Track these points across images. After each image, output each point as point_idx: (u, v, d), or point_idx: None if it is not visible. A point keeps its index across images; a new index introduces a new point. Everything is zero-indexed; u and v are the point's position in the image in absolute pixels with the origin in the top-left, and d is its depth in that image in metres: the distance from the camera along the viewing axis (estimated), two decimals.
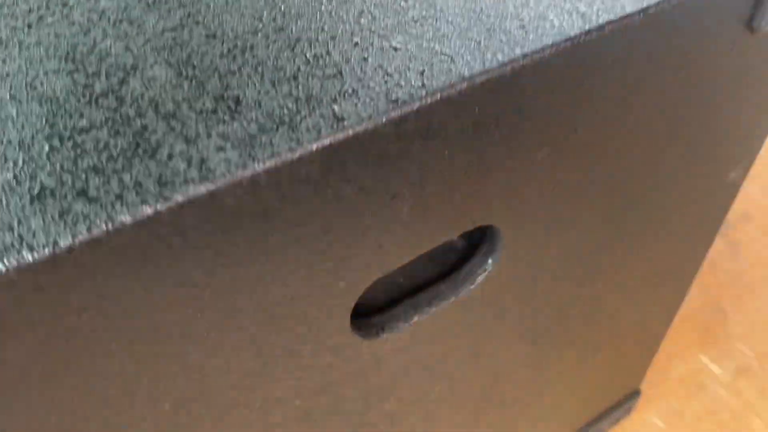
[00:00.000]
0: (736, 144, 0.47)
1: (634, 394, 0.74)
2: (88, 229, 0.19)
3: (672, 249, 0.54)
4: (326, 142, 0.22)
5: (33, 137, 0.22)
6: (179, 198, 0.20)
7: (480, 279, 0.35)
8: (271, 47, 0.25)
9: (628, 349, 0.66)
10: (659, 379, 0.84)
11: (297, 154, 0.22)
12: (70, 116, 0.23)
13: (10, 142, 0.22)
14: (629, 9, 0.29)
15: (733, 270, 0.97)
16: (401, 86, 0.24)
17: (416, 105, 0.24)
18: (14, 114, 0.22)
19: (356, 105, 0.23)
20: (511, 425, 0.62)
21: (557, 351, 0.57)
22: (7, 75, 0.24)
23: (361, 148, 0.23)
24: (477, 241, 0.36)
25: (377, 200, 0.26)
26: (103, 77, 0.24)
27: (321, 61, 0.25)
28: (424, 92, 0.24)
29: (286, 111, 0.23)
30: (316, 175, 0.23)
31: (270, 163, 0.21)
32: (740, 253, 0.99)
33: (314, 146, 0.22)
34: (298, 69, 0.25)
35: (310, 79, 0.24)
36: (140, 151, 0.22)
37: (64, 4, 0.28)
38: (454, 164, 0.27)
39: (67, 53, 0.25)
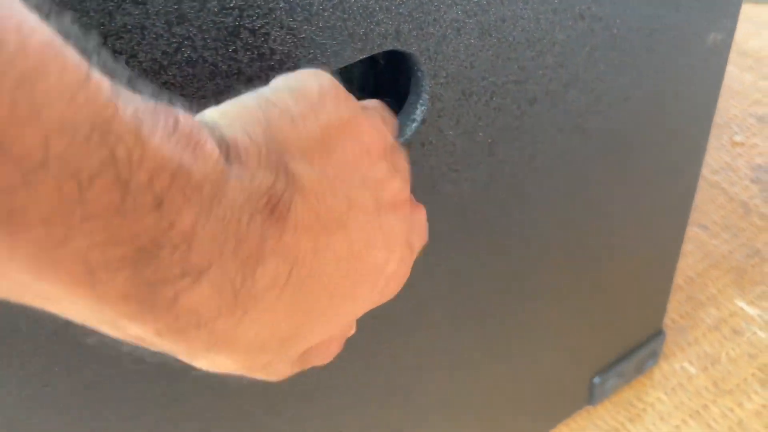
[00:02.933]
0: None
1: (658, 334, 0.72)
2: None
3: (666, 147, 0.52)
4: None
5: None
6: None
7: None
8: None
9: (641, 283, 0.64)
10: (690, 325, 0.81)
11: None
12: None
13: None
14: None
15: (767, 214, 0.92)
16: None
17: None
18: None
19: None
20: (530, 368, 0.61)
21: (569, 286, 0.56)
22: None
23: None
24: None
25: None
26: None
27: None
28: None
29: None
30: None
31: None
32: None
33: None
34: None
35: None
36: None
37: None
38: None
39: None
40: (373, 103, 0.30)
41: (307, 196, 0.22)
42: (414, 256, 0.29)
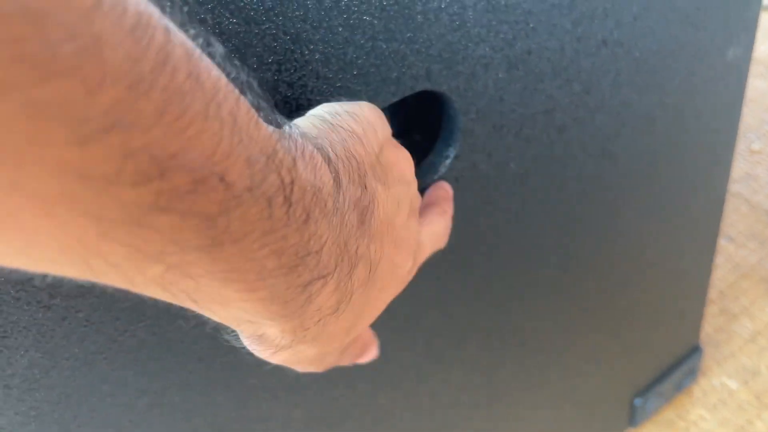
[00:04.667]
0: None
1: (694, 350, 0.71)
2: None
3: (693, 164, 0.52)
4: None
5: None
6: None
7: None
8: None
9: (675, 299, 0.64)
10: (725, 339, 0.80)
11: None
12: None
13: None
14: None
15: None
16: None
17: None
18: None
19: None
20: (570, 394, 0.60)
21: (605, 308, 0.56)
22: None
23: None
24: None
25: None
26: None
27: None
28: None
29: None
30: None
31: None
32: None
33: None
34: None
35: None
36: None
37: None
38: None
39: None
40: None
41: (378, 206, 0.25)
42: (425, 257, 0.31)
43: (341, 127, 0.25)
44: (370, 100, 0.31)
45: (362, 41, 0.29)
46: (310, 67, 0.28)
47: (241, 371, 0.34)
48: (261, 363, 0.35)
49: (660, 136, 0.47)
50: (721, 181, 0.57)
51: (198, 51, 0.17)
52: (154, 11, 0.16)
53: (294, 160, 0.20)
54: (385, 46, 0.30)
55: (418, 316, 0.41)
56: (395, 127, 0.39)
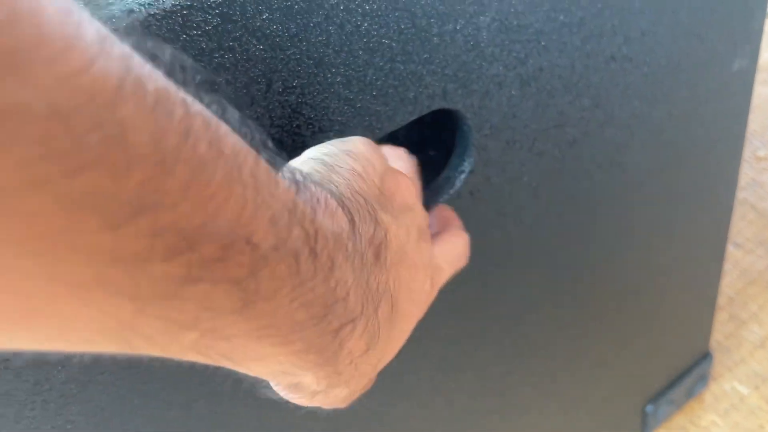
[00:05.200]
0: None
1: (705, 356, 0.72)
2: None
3: (701, 173, 0.53)
4: None
5: None
6: None
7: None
8: None
9: (685, 306, 0.64)
10: (735, 344, 0.80)
11: None
12: None
13: None
14: None
15: None
16: None
17: None
18: None
19: None
20: (581, 402, 0.61)
21: (615, 316, 0.57)
22: None
23: None
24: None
25: None
26: None
27: None
28: None
29: None
30: None
31: None
32: None
33: None
34: None
35: None
36: None
37: None
38: None
39: None
40: (386, 148, 0.32)
41: (391, 239, 0.25)
42: (444, 278, 0.31)
43: (340, 167, 0.25)
44: (389, 119, 0.32)
45: (381, 63, 0.30)
46: (333, 90, 0.29)
47: (265, 384, 0.35)
48: None
49: (668, 146, 0.48)
50: (728, 189, 0.58)
51: (215, 118, 0.17)
52: (171, 85, 0.16)
53: (314, 210, 0.20)
54: (403, 68, 0.31)
55: (433, 326, 0.42)
56: (410, 143, 0.40)
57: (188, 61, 0.18)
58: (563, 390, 0.58)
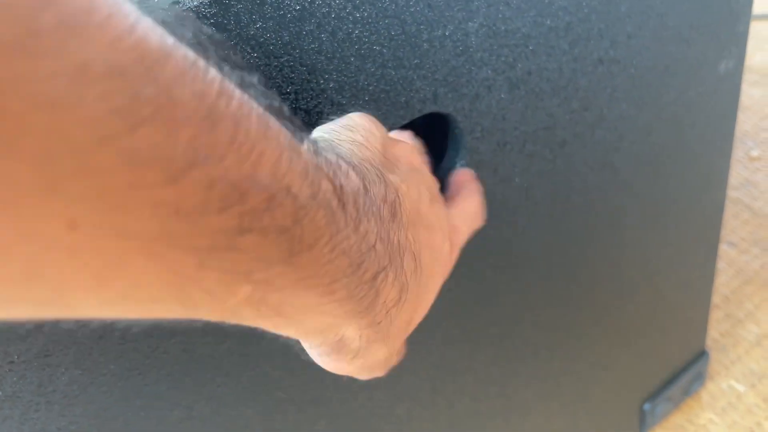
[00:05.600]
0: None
1: (701, 354, 0.72)
2: None
3: (691, 173, 0.54)
4: None
5: None
6: None
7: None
8: None
9: (680, 305, 0.65)
10: (732, 343, 0.81)
11: None
12: None
13: None
14: None
15: None
16: None
17: None
18: None
19: None
20: (579, 401, 0.61)
21: (611, 316, 0.57)
22: None
23: None
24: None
25: None
26: None
27: None
28: None
29: None
30: None
31: None
32: None
33: None
34: None
35: None
36: None
37: None
38: None
39: None
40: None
41: (403, 198, 0.26)
42: (462, 239, 0.32)
43: (342, 140, 0.26)
44: (382, 123, 0.33)
45: (373, 69, 0.31)
46: (326, 95, 0.30)
47: (268, 385, 0.36)
48: (287, 377, 0.36)
49: (658, 147, 0.49)
50: (719, 188, 0.59)
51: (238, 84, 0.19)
52: (196, 54, 0.17)
53: (333, 168, 0.21)
54: (394, 73, 0.32)
55: (432, 327, 0.43)
56: None
57: (210, 34, 0.20)
58: (561, 390, 0.59)
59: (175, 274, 0.17)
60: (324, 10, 0.28)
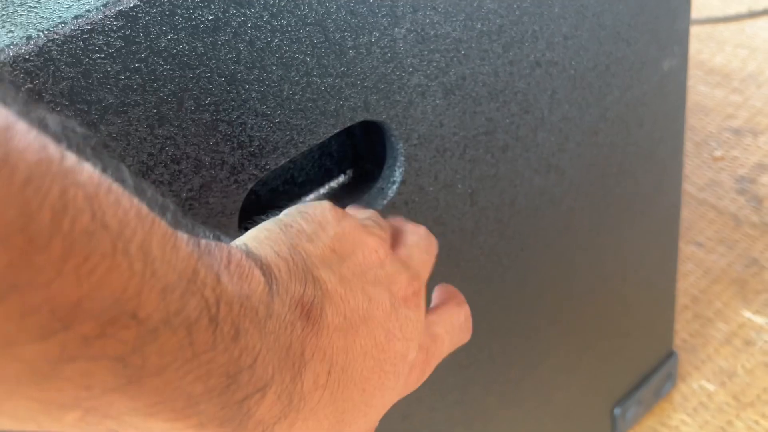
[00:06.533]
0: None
1: (670, 355, 0.72)
2: None
3: (644, 172, 0.54)
4: None
5: None
6: None
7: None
8: None
9: (644, 306, 0.65)
10: (701, 343, 0.81)
11: None
12: None
13: None
14: None
15: (759, 222, 0.94)
16: None
17: None
18: None
19: None
20: (547, 410, 0.61)
21: (572, 322, 0.57)
22: None
23: None
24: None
25: None
26: None
27: None
28: None
29: None
30: None
31: None
32: (763, 204, 0.96)
33: None
34: None
35: None
36: None
37: None
38: None
39: None
40: (366, 213, 0.31)
41: (333, 298, 0.24)
42: (444, 348, 0.31)
43: (291, 226, 0.26)
44: (311, 132, 0.32)
45: (297, 78, 0.31)
46: (248, 106, 0.30)
47: None
48: None
49: (605, 148, 0.49)
50: (674, 187, 0.59)
51: (105, 184, 0.17)
52: (52, 157, 0.15)
53: (217, 275, 0.19)
54: (320, 81, 0.32)
55: None
56: (345, 157, 0.41)
57: (79, 127, 0.18)
58: (527, 398, 0.58)
59: None
60: (240, 19, 0.28)
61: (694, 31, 1.17)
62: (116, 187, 0.17)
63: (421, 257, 0.31)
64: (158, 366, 0.17)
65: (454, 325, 0.32)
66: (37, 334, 0.15)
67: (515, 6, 0.37)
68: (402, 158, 0.37)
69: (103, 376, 0.16)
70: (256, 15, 0.28)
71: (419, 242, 0.32)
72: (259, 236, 0.25)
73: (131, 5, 0.25)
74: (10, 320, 0.14)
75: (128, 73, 0.26)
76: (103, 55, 0.25)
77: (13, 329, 0.14)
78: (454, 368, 0.49)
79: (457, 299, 0.33)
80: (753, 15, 1.34)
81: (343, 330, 0.24)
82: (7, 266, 0.14)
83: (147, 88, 0.26)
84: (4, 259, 0.14)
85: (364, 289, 0.26)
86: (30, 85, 0.24)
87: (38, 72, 0.24)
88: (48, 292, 0.14)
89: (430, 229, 0.40)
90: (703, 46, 1.30)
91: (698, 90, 1.22)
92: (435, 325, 0.30)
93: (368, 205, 0.37)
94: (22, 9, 0.25)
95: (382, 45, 0.33)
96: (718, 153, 1.06)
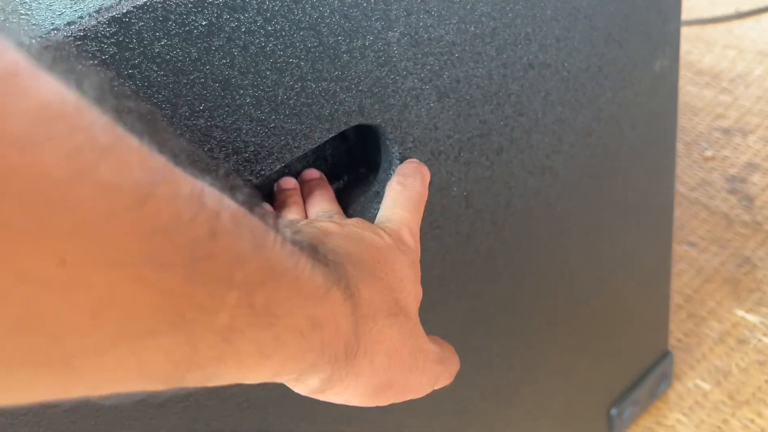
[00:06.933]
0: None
1: (665, 355, 0.72)
2: None
3: (637, 172, 0.54)
4: None
5: None
6: None
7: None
8: None
9: (638, 306, 0.65)
10: (696, 342, 0.81)
11: None
12: None
13: None
14: None
15: (751, 221, 0.94)
16: None
17: None
18: None
19: None
20: (544, 411, 0.61)
21: (568, 323, 0.57)
22: None
23: None
24: None
25: None
26: None
27: None
28: None
29: None
30: None
31: None
32: (754, 203, 0.97)
33: None
34: None
35: None
36: None
37: None
38: None
39: None
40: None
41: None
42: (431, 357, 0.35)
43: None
44: (306, 137, 0.32)
45: (291, 83, 0.30)
46: (243, 111, 0.29)
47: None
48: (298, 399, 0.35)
49: (599, 149, 0.49)
50: (667, 187, 0.59)
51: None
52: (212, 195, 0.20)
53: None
54: (314, 86, 0.31)
55: None
56: (340, 162, 0.41)
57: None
58: (524, 401, 0.58)
59: (165, 296, 0.17)
60: (233, 24, 0.28)
61: (683, 32, 1.18)
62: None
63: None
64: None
65: (446, 359, 0.37)
66: (189, 216, 0.18)
67: (508, 9, 0.37)
68: (397, 162, 0.37)
69: (242, 243, 0.20)
70: (249, 20, 0.28)
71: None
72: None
73: (124, 11, 0.25)
74: (166, 205, 0.17)
75: (122, 80, 0.26)
76: (96, 62, 0.25)
77: (170, 213, 0.17)
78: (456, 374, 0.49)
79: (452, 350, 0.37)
80: (740, 16, 1.35)
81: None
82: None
83: (141, 95, 0.26)
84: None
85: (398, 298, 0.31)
86: None
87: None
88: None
89: (426, 232, 0.40)
90: (692, 47, 1.31)
91: (688, 90, 1.22)
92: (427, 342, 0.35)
93: (364, 209, 0.37)
94: (14, 16, 0.25)
95: (376, 49, 0.33)
96: (708, 153, 1.07)
